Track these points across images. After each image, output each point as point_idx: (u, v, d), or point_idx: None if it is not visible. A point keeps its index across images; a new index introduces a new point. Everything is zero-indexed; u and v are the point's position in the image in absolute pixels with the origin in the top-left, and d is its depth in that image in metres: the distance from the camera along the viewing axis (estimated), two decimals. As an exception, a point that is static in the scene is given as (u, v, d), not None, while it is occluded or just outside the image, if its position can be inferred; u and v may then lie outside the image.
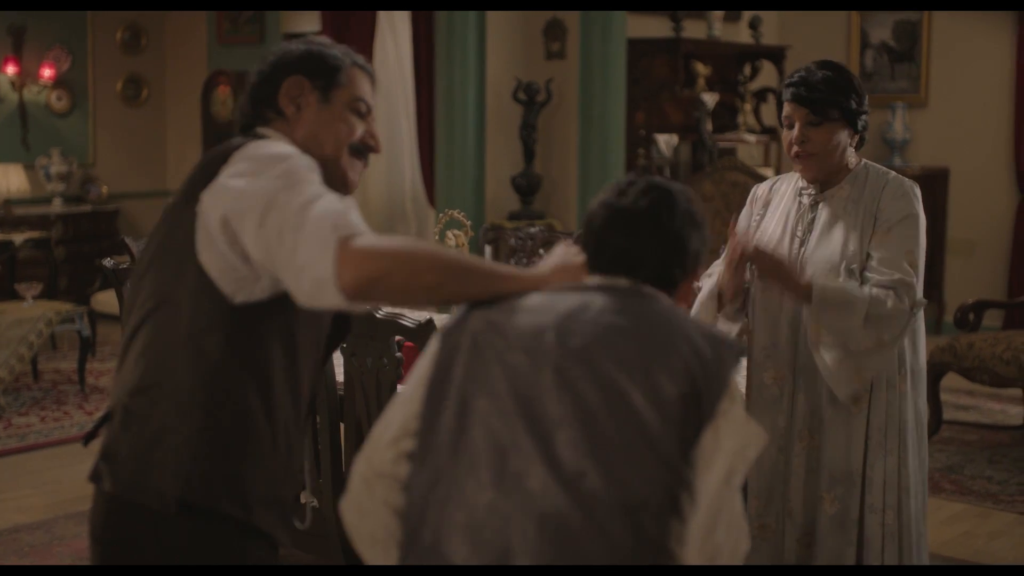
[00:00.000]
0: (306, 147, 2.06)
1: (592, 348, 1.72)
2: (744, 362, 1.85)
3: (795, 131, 3.00)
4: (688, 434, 1.68)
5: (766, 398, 3.07)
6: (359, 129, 2.13)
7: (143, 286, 2.00)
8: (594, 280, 1.88)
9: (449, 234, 4.23)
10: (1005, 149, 8.17)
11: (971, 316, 6.07)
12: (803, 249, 3.05)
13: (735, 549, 1.71)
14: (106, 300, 7.75)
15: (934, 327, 8.19)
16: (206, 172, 1.95)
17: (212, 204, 1.90)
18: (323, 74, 2.10)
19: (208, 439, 1.91)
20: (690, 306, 1.91)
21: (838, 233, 3.00)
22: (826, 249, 3.00)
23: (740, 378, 1.75)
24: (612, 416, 1.68)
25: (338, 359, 3.33)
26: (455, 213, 4.30)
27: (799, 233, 3.08)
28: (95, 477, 1.98)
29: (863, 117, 3.03)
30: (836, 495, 3.00)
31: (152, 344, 1.95)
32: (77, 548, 4.40)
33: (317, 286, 1.78)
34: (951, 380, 5.95)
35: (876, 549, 2.98)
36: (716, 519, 1.68)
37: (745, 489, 3.07)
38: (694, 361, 1.70)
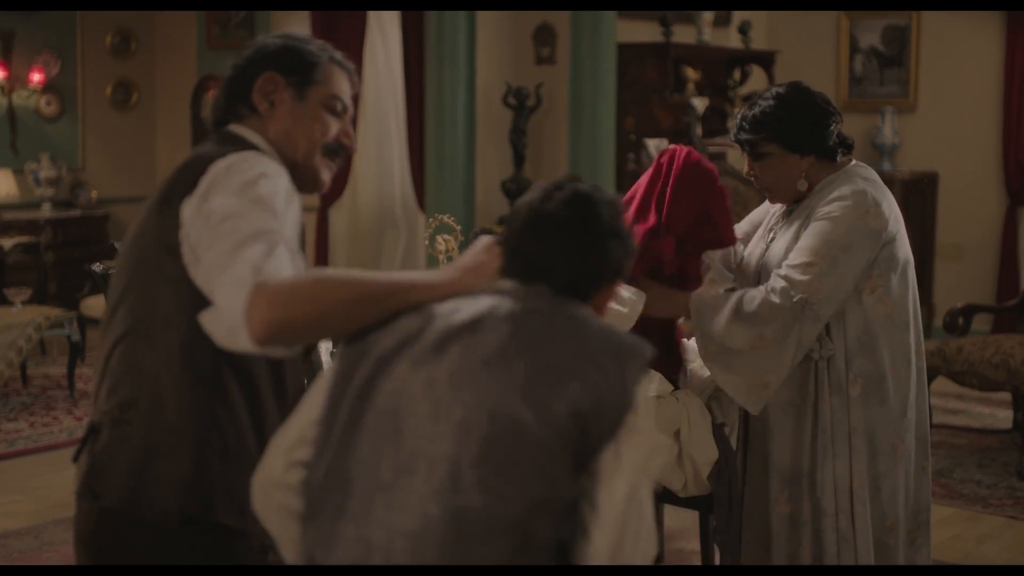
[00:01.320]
0: (278, 145, 2.02)
1: (487, 365, 1.66)
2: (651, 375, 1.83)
3: (745, 167, 3.03)
4: (584, 452, 1.63)
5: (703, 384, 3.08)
6: (333, 128, 2.06)
7: (124, 299, 1.95)
8: (506, 285, 1.80)
9: (439, 239, 4.22)
10: (994, 153, 8.19)
11: (960, 320, 6.09)
12: (765, 255, 3.08)
13: (644, 559, 1.68)
14: (95, 305, 7.72)
15: (924, 331, 8.19)
16: (182, 183, 1.89)
17: (194, 225, 1.84)
18: (298, 70, 2.03)
19: (204, 451, 1.89)
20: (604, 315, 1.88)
21: (785, 239, 3.01)
22: (773, 255, 3.03)
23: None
24: (496, 434, 1.62)
25: (325, 363, 3.33)
26: (445, 218, 4.28)
27: (767, 240, 3.12)
28: (85, 494, 1.93)
29: (827, 134, 2.96)
30: (788, 496, 3.00)
31: (140, 356, 1.91)
32: (66, 554, 4.38)
33: (231, 331, 1.71)
34: (941, 384, 5.97)
35: (832, 553, 2.97)
36: (622, 537, 1.63)
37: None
38: (596, 380, 1.64)
